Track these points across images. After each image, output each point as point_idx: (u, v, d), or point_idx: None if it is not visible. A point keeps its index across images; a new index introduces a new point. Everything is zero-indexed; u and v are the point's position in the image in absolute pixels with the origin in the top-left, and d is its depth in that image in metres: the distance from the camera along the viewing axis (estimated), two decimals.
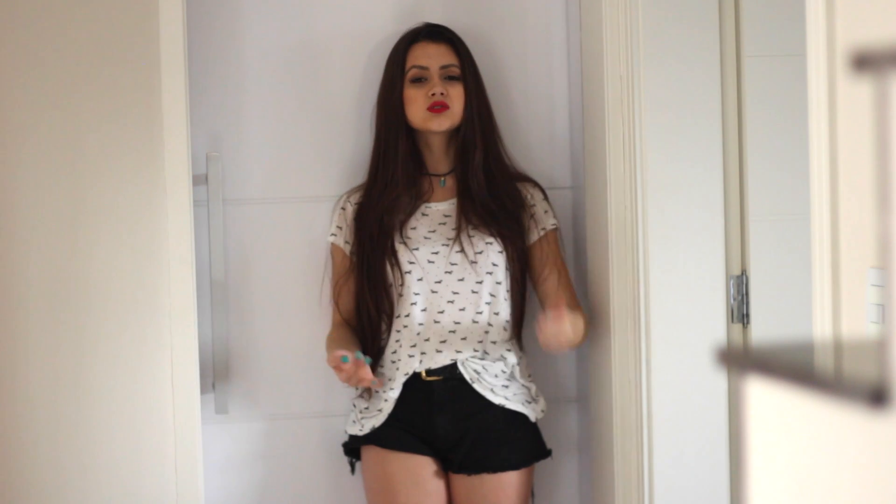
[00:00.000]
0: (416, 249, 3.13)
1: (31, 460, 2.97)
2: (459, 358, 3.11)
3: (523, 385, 3.17)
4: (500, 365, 3.14)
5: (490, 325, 3.14)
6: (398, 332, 3.14)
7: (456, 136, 3.20)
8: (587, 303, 3.25)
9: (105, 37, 2.97)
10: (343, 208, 3.23)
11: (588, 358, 3.31)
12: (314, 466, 3.35)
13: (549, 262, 3.18)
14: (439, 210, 3.19)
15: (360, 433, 3.17)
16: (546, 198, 3.24)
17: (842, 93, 1.99)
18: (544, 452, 3.22)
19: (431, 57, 3.17)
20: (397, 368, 3.12)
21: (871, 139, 1.88)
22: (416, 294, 3.12)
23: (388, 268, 3.13)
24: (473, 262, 3.12)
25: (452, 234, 3.14)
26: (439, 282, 3.13)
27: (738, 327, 2.97)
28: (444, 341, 3.11)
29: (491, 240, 3.13)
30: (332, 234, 3.24)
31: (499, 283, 3.13)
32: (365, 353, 3.12)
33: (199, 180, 3.20)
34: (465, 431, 3.12)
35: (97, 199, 2.98)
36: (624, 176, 3.00)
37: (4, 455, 2.97)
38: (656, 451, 2.97)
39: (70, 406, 2.98)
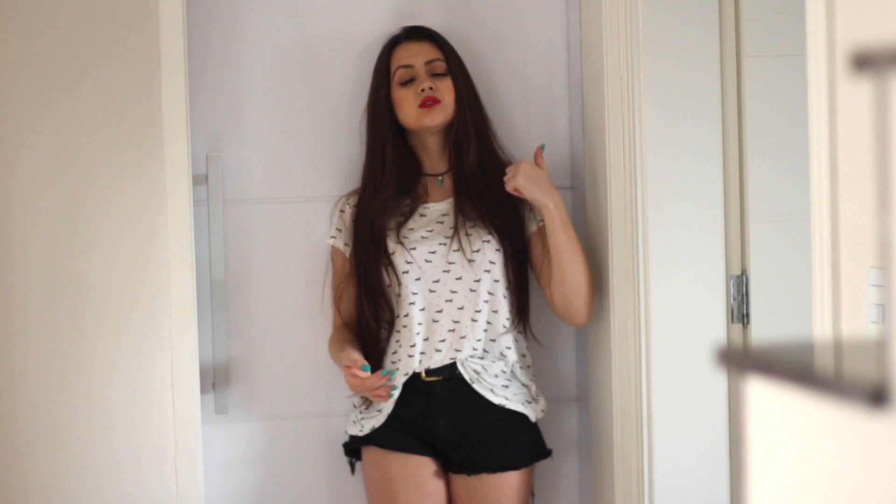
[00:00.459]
0: (414, 249, 3.13)
1: (31, 460, 2.97)
2: (459, 357, 3.11)
3: (523, 385, 3.17)
4: (500, 364, 3.14)
5: (489, 323, 3.14)
6: (397, 332, 3.14)
7: (450, 134, 3.20)
8: None
9: (105, 37, 2.97)
10: (342, 210, 3.23)
11: (588, 358, 3.31)
12: (314, 467, 3.35)
13: (549, 251, 3.18)
14: (437, 210, 3.19)
15: (361, 433, 3.17)
16: None
17: (842, 93, 1.99)
18: (544, 452, 3.22)
19: (415, 55, 3.17)
20: (397, 368, 3.12)
21: (871, 139, 1.88)
22: (415, 294, 3.12)
23: (384, 272, 3.13)
24: (471, 261, 3.12)
25: (450, 232, 3.14)
26: (437, 281, 3.13)
27: (738, 327, 2.97)
28: (443, 340, 3.11)
29: (488, 237, 3.13)
30: (332, 237, 3.24)
31: (497, 280, 3.13)
32: (366, 357, 3.11)
33: (199, 180, 3.20)
34: (465, 431, 3.12)
35: (97, 199, 2.98)
36: (624, 176, 2.99)
37: (4, 455, 2.97)
38: (656, 451, 2.97)
39: (70, 406, 2.98)
